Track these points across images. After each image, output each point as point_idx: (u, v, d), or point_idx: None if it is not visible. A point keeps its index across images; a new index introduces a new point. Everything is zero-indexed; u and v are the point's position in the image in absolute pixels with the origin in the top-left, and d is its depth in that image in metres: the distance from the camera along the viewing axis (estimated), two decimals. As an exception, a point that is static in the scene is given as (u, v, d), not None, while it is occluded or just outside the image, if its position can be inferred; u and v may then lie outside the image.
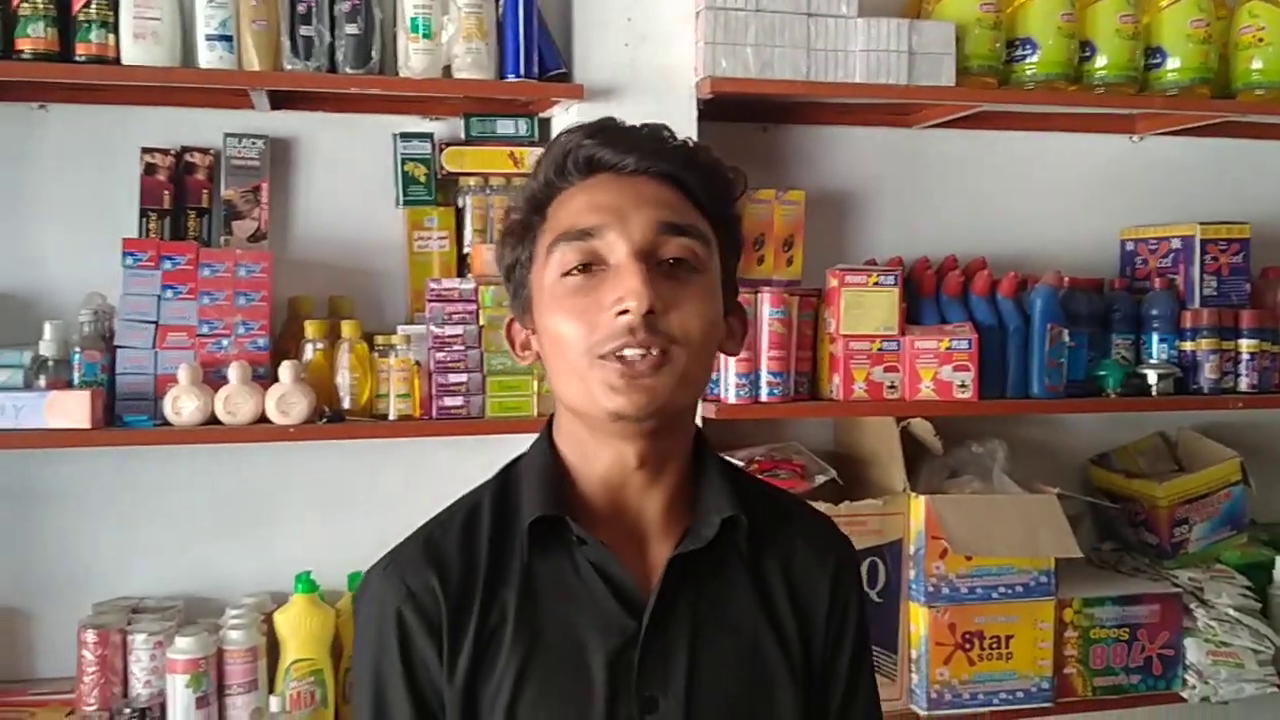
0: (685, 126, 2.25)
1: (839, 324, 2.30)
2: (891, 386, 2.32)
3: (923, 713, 2.31)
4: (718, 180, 1.15)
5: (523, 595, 1.10)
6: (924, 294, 2.41)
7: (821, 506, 2.24)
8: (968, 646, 2.32)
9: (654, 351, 1.05)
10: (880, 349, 2.31)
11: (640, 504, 1.15)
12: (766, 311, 2.26)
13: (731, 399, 2.26)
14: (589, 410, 1.08)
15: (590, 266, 1.08)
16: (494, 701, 1.08)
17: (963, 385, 2.31)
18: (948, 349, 2.31)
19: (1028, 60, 2.43)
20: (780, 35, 2.23)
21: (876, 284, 2.31)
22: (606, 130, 1.13)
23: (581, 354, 1.07)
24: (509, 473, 1.20)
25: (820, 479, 2.32)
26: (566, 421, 1.15)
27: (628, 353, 1.05)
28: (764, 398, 2.27)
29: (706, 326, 1.09)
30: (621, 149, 1.11)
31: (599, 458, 1.13)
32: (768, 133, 2.56)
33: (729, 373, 2.26)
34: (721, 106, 2.31)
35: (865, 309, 2.30)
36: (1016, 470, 2.45)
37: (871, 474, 2.45)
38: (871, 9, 2.32)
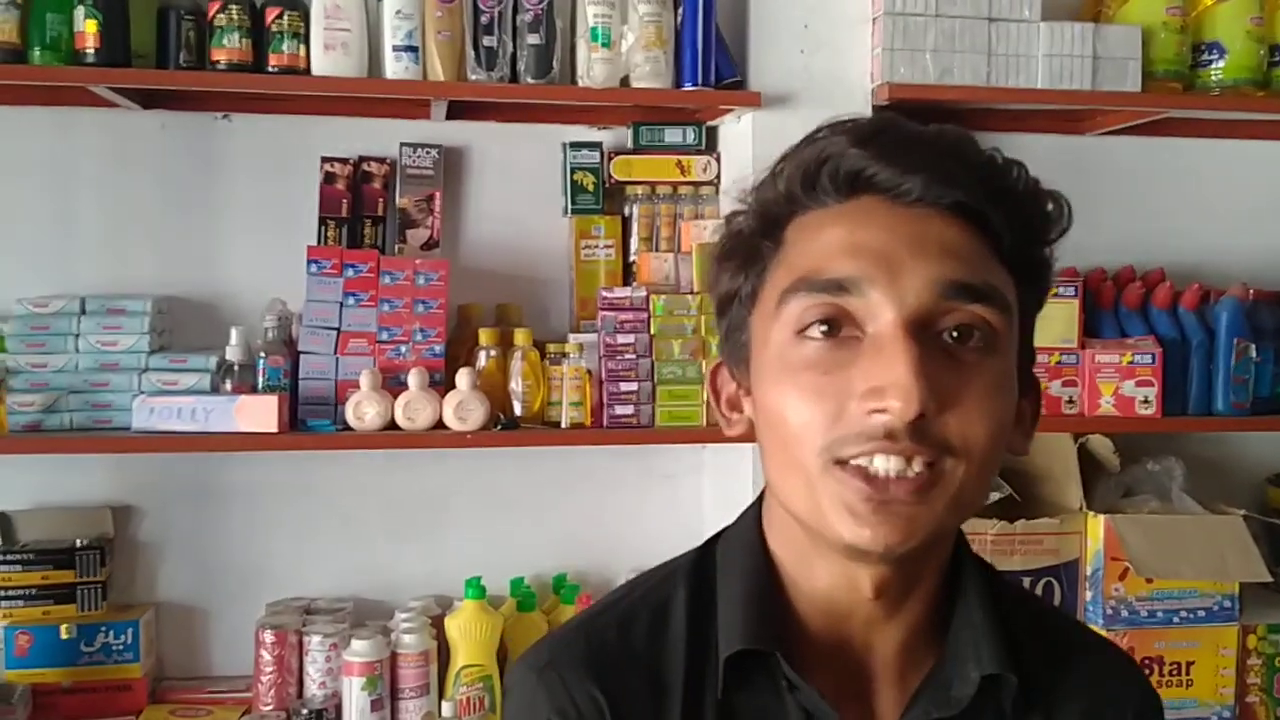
0: (859, 134, 2.22)
1: (1016, 337, 2.23)
2: (1070, 401, 2.25)
3: (1099, 739, 2.23)
4: (1034, 215, 0.85)
5: None
6: (1102, 306, 2.34)
7: (995, 525, 2.21)
8: (1148, 672, 2.23)
9: (918, 468, 0.77)
10: (1059, 362, 2.25)
11: (870, 638, 0.87)
12: (942, 323, 2.21)
13: (905, 412, 2.22)
14: (817, 528, 0.80)
15: (838, 329, 0.79)
16: None
17: (1145, 401, 2.24)
18: (1130, 363, 2.24)
19: (1214, 65, 2.35)
20: (960, 40, 2.18)
21: (1055, 295, 2.24)
22: (884, 137, 0.82)
23: (813, 452, 0.78)
24: (705, 565, 0.92)
25: (995, 495, 2.25)
26: (781, 518, 0.87)
27: (878, 464, 0.76)
28: (937, 411, 2.22)
29: (997, 431, 0.79)
30: (904, 167, 0.80)
31: (820, 575, 0.86)
32: (937, 140, 2.50)
33: (903, 385, 2.21)
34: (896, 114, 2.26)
35: (1044, 321, 2.21)
36: (1193, 489, 2.36)
37: (1043, 491, 2.38)
38: (1052, 12, 2.26)
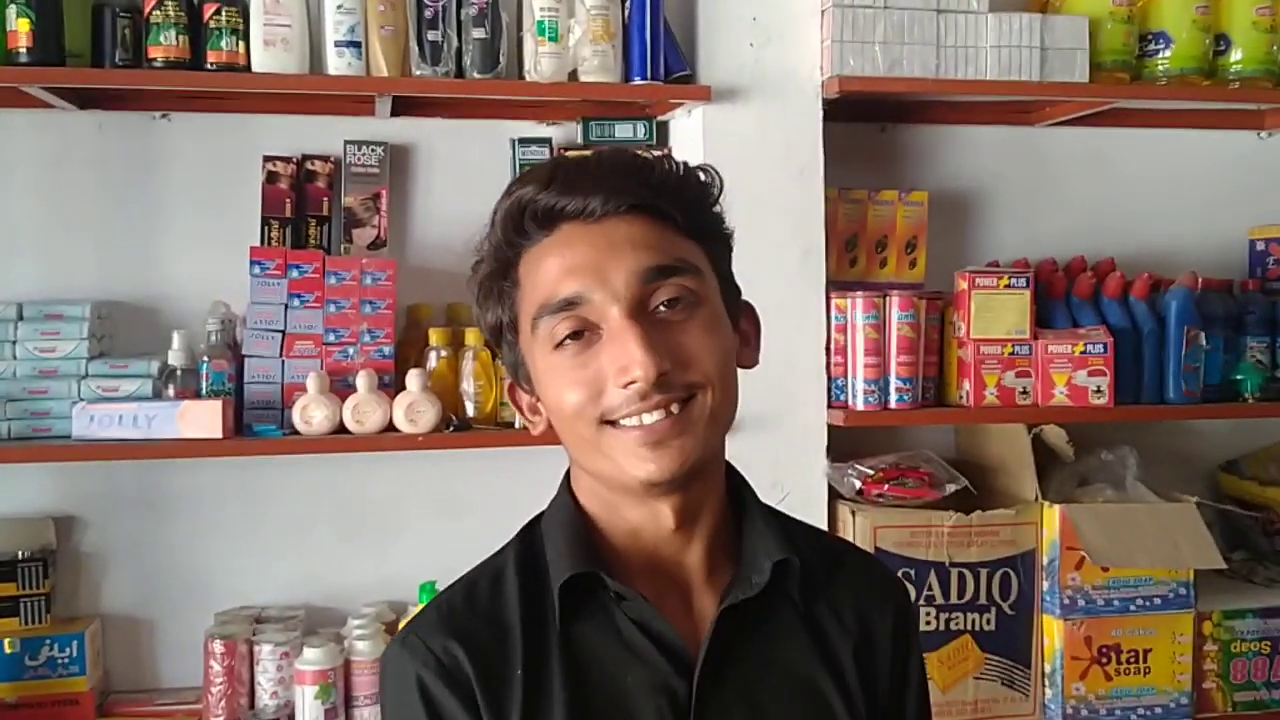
0: (810, 127, 2.22)
1: (969, 328, 2.23)
2: (1024, 392, 2.25)
3: (1058, 728, 2.24)
4: (693, 193, 1.04)
5: (566, 665, 1.01)
6: (1054, 296, 2.35)
7: (952, 516, 2.21)
8: (1104, 660, 2.25)
9: (675, 410, 0.97)
10: (1012, 353, 2.25)
11: (679, 555, 1.06)
12: (895, 315, 2.20)
13: (859, 406, 2.21)
14: (616, 478, 1.00)
15: (583, 333, 0.98)
16: None
17: (1098, 391, 2.24)
18: (1082, 353, 2.25)
19: (1160, 55, 2.36)
20: (909, 32, 2.18)
21: (1008, 286, 2.25)
22: (560, 174, 1.00)
23: (592, 423, 0.98)
24: (531, 533, 1.10)
25: (951, 488, 2.25)
26: (586, 478, 1.06)
27: (645, 419, 0.97)
28: (893, 404, 2.22)
29: (722, 357, 1.01)
30: (582, 193, 0.98)
31: (629, 515, 1.04)
32: (886, 133, 2.50)
33: (857, 379, 2.21)
34: (844, 107, 2.26)
35: (996, 312, 2.24)
36: (1147, 477, 2.37)
37: (999, 482, 2.38)
38: (1000, 4, 2.26)
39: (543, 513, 1.11)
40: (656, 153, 1.11)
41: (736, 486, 1.12)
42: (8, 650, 2.06)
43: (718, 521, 1.08)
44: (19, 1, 1.90)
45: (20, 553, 2.10)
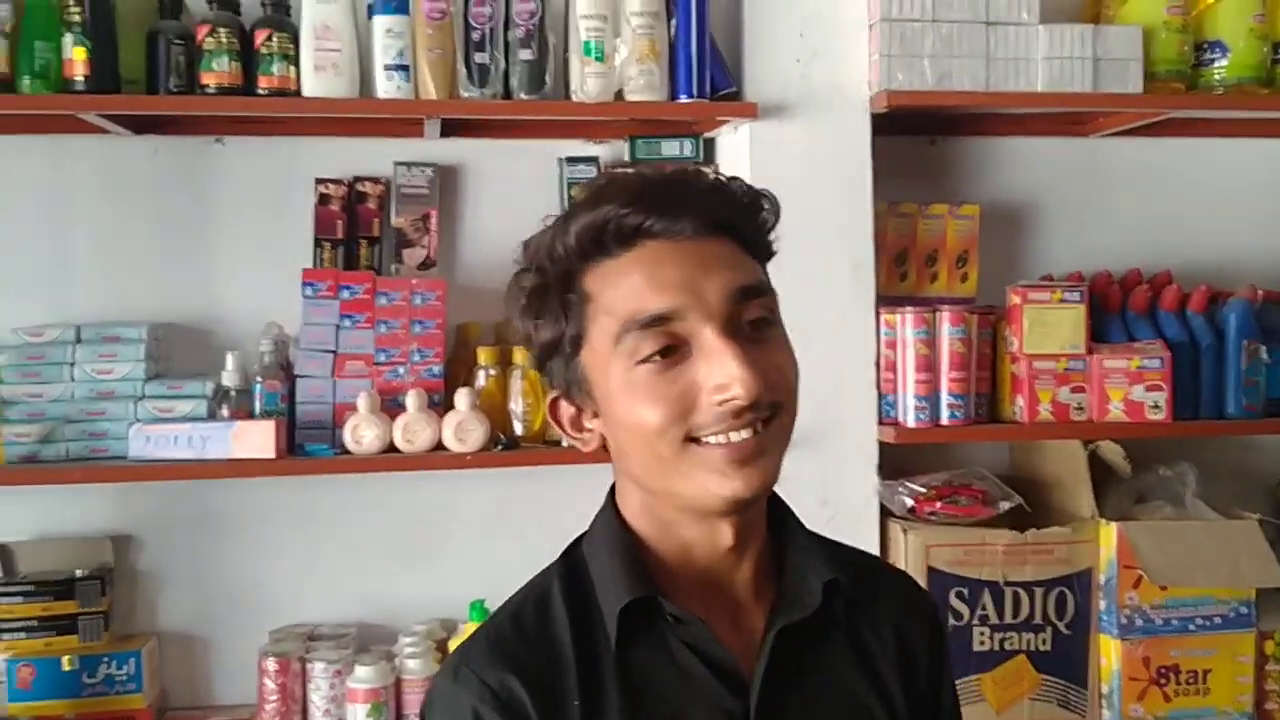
0: (858, 142, 2.20)
1: (1022, 343, 2.21)
2: (1079, 408, 2.22)
3: (1117, 750, 2.20)
4: (762, 214, 1.05)
5: (622, 690, 1.00)
6: (1109, 310, 2.31)
7: (1006, 534, 2.18)
8: (1163, 681, 2.21)
9: (760, 428, 0.97)
10: (1066, 369, 2.21)
11: (731, 573, 1.05)
12: (946, 331, 2.18)
13: (910, 422, 2.19)
14: (695, 496, 0.99)
15: (671, 351, 0.97)
16: None
17: (1155, 406, 2.21)
18: (1139, 368, 2.21)
19: (1217, 64, 2.32)
20: (958, 45, 2.16)
21: (1061, 300, 2.22)
22: (649, 193, 1.00)
23: (675, 441, 0.97)
24: (573, 556, 1.09)
25: (1005, 505, 2.23)
26: (639, 498, 1.05)
27: (733, 436, 0.97)
28: (944, 421, 2.20)
29: (795, 377, 1.03)
30: (673, 215, 0.98)
31: (684, 534, 1.03)
32: (935, 146, 2.48)
33: (908, 395, 2.19)
34: (890, 121, 2.24)
35: (1049, 327, 2.21)
36: (1206, 494, 2.33)
37: (1054, 499, 2.35)
38: (1051, 15, 2.23)
39: (584, 534, 1.10)
40: (724, 175, 1.06)
41: (775, 503, 1.12)
42: (66, 668, 2.09)
43: (764, 545, 1.08)
44: (76, 30, 1.94)
45: (79, 571, 2.14)
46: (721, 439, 0.97)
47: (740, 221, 1.03)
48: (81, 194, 2.22)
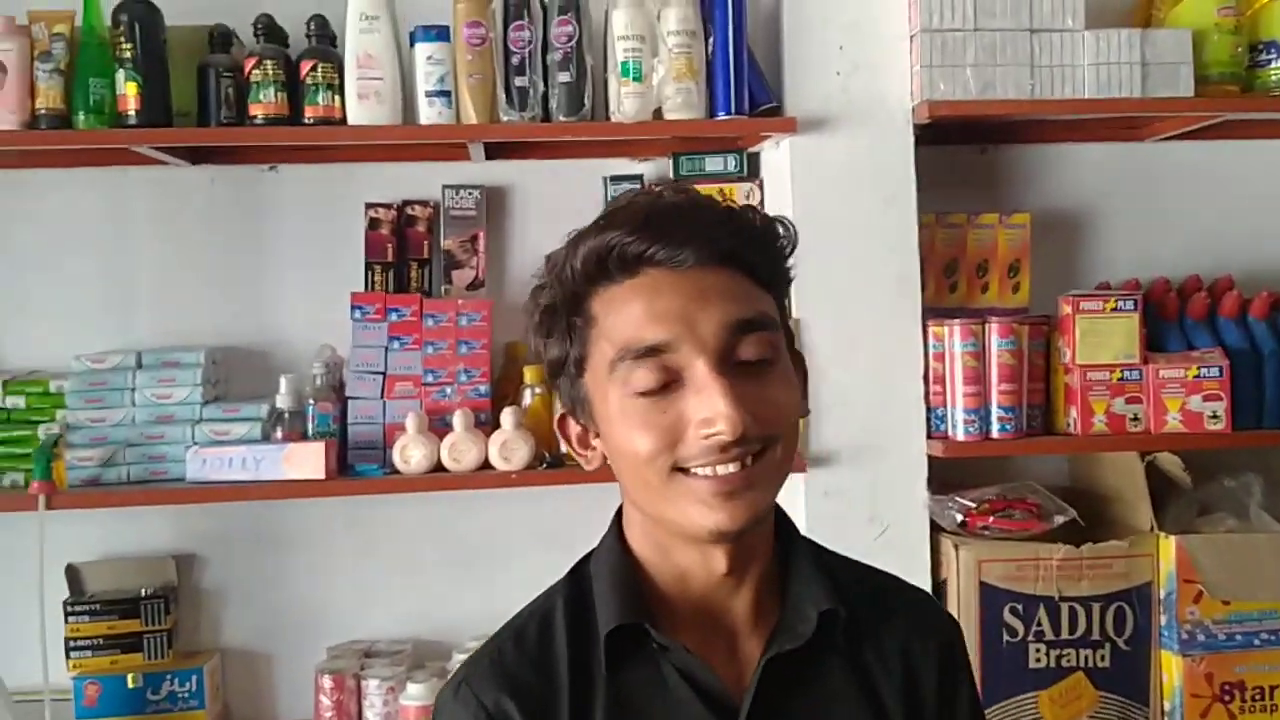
0: (901, 153, 2.18)
1: (1074, 354, 2.17)
2: (1135, 419, 2.17)
3: (1181, 770, 2.15)
4: (775, 243, 1.04)
5: (610, 714, 1.01)
6: (1166, 318, 2.26)
7: (1061, 549, 2.14)
8: (1227, 698, 2.14)
9: (748, 463, 0.97)
10: (1121, 379, 2.17)
11: (727, 600, 1.05)
12: (995, 343, 2.15)
13: (960, 436, 2.16)
14: (682, 525, 1.00)
15: (664, 383, 0.98)
16: None
17: (1214, 416, 2.15)
18: (1196, 377, 2.16)
19: (1273, 65, 2.26)
20: (1002, 53, 2.13)
21: (1114, 309, 2.18)
22: (654, 220, 0.99)
23: (662, 469, 0.98)
24: (580, 573, 1.10)
25: (1059, 519, 2.18)
26: (640, 520, 1.06)
27: (719, 469, 0.96)
28: (995, 434, 2.17)
29: (792, 414, 1.01)
30: (675, 243, 0.98)
31: (680, 560, 1.04)
32: (986, 154, 2.45)
33: (957, 409, 2.16)
34: (938, 130, 2.22)
35: (1103, 337, 2.17)
36: (1273, 505, 2.26)
37: (1113, 512, 2.30)
38: (1097, 19, 2.19)
39: (592, 551, 1.12)
40: (744, 206, 1.06)
41: (784, 526, 1.11)
42: (130, 685, 2.16)
43: (766, 565, 1.07)
44: (127, 66, 2.00)
45: (143, 590, 2.20)
46: (708, 471, 0.97)
47: (748, 251, 1.01)
48: (141, 223, 2.29)
